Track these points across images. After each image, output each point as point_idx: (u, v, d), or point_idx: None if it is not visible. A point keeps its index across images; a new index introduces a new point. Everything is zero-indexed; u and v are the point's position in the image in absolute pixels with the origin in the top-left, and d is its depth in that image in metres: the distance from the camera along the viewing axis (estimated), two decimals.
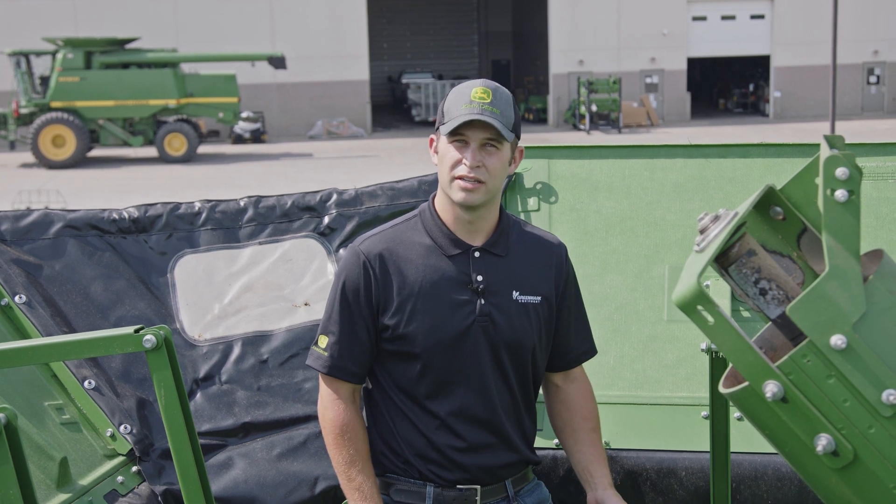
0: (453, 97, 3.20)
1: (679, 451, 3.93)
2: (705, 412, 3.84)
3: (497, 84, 3.21)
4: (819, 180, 2.40)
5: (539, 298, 3.29)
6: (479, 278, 3.23)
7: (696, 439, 3.90)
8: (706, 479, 3.78)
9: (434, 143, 3.27)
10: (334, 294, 3.28)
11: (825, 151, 2.38)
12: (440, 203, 3.29)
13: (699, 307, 2.30)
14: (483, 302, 3.22)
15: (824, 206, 2.32)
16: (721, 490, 3.43)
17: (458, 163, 3.15)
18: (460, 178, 3.15)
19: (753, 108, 49.35)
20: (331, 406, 3.27)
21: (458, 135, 3.15)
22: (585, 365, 3.50)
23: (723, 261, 2.52)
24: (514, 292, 3.27)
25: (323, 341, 3.28)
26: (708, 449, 3.44)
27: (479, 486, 3.28)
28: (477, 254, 3.25)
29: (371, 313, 3.23)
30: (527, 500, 3.38)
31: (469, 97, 3.15)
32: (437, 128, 3.24)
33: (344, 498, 3.78)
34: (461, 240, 3.25)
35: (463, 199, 3.16)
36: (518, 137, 3.25)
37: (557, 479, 3.94)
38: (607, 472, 3.39)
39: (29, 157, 34.34)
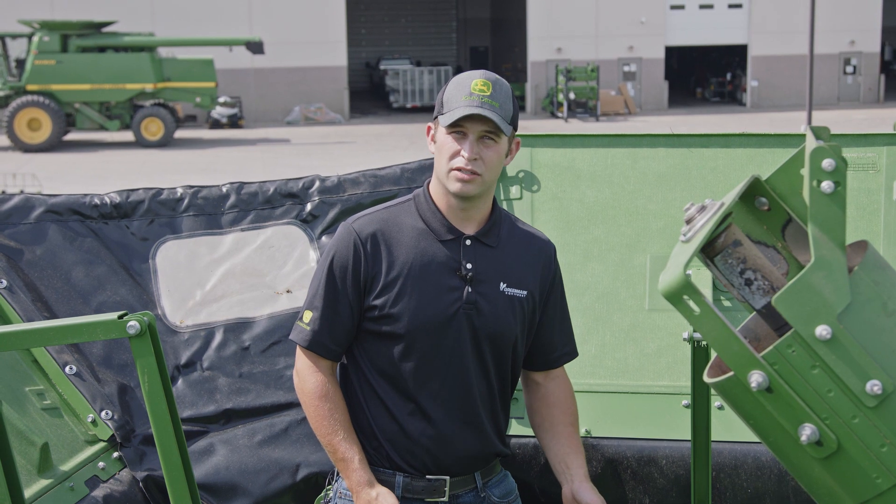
0: (453, 88, 3.21)
1: (660, 439, 3.94)
2: (686, 401, 3.86)
3: (497, 76, 3.23)
4: (805, 171, 2.41)
5: (525, 293, 3.31)
6: (469, 266, 3.24)
7: (676, 428, 3.92)
8: (687, 467, 3.79)
9: (432, 132, 3.29)
10: (322, 269, 3.28)
11: (811, 143, 2.39)
12: (435, 190, 3.30)
13: (685, 297, 2.31)
14: (470, 290, 3.23)
15: (810, 197, 2.33)
16: (701, 478, 3.45)
17: (455, 154, 3.17)
18: (457, 169, 3.16)
19: (731, 97, 49.46)
20: (309, 377, 3.28)
21: (457, 127, 3.16)
22: None
23: (708, 251, 2.52)
24: (501, 283, 3.28)
25: (307, 316, 3.29)
26: (688, 438, 3.46)
27: (448, 477, 3.29)
28: (468, 242, 3.26)
29: (357, 293, 3.24)
30: (494, 490, 3.40)
31: (469, 89, 3.16)
32: (436, 117, 3.24)
33: (324, 486, 3.79)
34: (454, 226, 3.26)
35: (459, 189, 3.18)
36: (516, 129, 3.26)
37: (538, 467, 3.95)
38: (584, 464, 3.40)
39: (4, 140, 34.14)
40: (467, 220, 3.27)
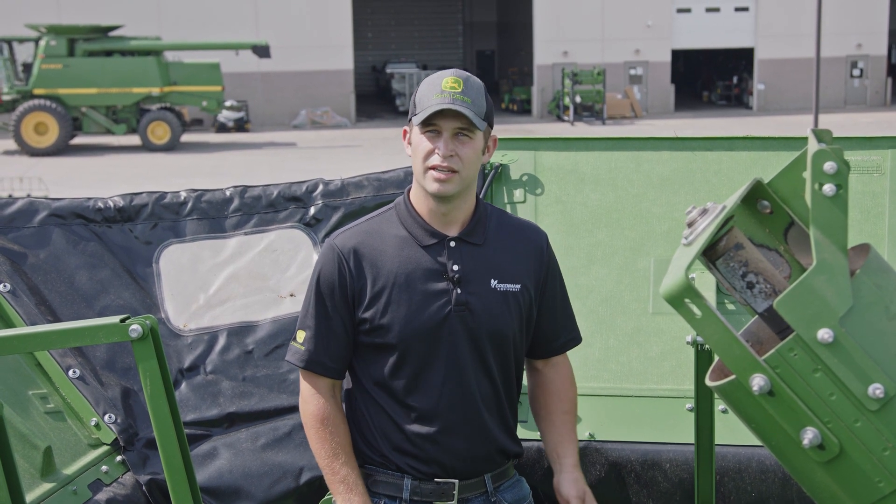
0: (425, 88, 3.21)
1: (663, 443, 3.94)
2: (690, 404, 3.86)
3: (468, 73, 3.22)
4: (807, 174, 2.40)
5: (519, 286, 3.28)
6: (455, 267, 3.22)
7: (680, 431, 3.91)
8: (690, 471, 3.79)
9: (407, 135, 3.28)
10: (311, 289, 3.28)
11: (813, 146, 2.39)
12: (415, 195, 3.28)
13: (687, 300, 2.31)
14: (459, 291, 3.21)
15: (812, 200, 2.32)
16: (705, 482, 3.45)
17: (431, 153, 3.16)
18: (434, 167, 3.15)
19: (737, 100, 49.42)
20: (311, 400, 3.27)
21: (430, 125, 3.16)
22: (572, 356, 3.49)
23: (710, 254, 2.52)
24: (492, 280, 3.25)
25: (300, 336, 3.28)
26: (692, 441, 3.46)
27: (456, 481, 3.28)
28: (452, 243, 3.24)
29: (347, 308, 3.23)
30: (506, 495, 3.38)
31: (440, 87, 3.16)
32: (410, 119, 3.24)
33: (328, 489, 3.79)
34: (436, 230, 3.24)
35: (437, 189, 3.16)
36: (491, 126, 3.25)
37: (542, 470, 3.95)
38: (574, 452, 3.38)
39: (11, 144, 34.18)
40: (450, 221, 3.25)
